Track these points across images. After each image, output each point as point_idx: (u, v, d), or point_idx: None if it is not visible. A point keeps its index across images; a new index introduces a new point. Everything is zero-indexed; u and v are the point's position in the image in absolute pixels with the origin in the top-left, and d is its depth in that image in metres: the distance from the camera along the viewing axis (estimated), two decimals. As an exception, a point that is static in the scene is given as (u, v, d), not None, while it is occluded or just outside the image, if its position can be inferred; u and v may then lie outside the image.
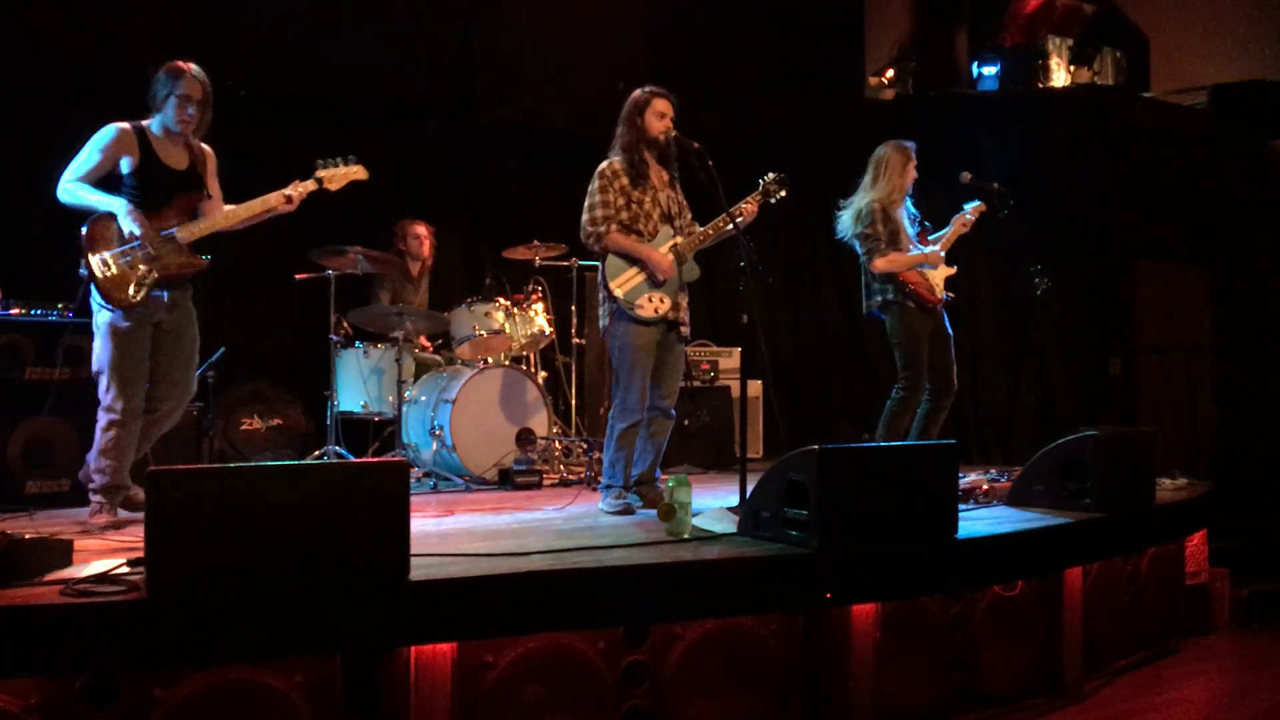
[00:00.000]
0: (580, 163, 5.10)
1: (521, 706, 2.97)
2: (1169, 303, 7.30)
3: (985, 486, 4.84)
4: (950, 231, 5.42)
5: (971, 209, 5.44)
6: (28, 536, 2.86)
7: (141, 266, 4.02)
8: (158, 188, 4.07)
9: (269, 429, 6.11)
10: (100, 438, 4.09)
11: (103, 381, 4.05)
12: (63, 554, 2.97)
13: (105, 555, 3.16)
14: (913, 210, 5.44)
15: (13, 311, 4.81)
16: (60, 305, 4.95)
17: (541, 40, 7.36)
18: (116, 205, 3.97)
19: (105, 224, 3.99)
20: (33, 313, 4.85)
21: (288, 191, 4.23)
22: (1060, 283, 5.65)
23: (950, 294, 5.42)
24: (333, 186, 4.34)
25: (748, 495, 3.87)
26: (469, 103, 7.22)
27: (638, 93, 4.54)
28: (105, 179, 4.04)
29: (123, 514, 4.10)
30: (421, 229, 6.53)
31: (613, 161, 4.52)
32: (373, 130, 6.94)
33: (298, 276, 6.09)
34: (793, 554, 3.35)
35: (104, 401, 4.07)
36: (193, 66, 4.13)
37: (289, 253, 6.15)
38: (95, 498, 4.11)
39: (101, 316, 4.03)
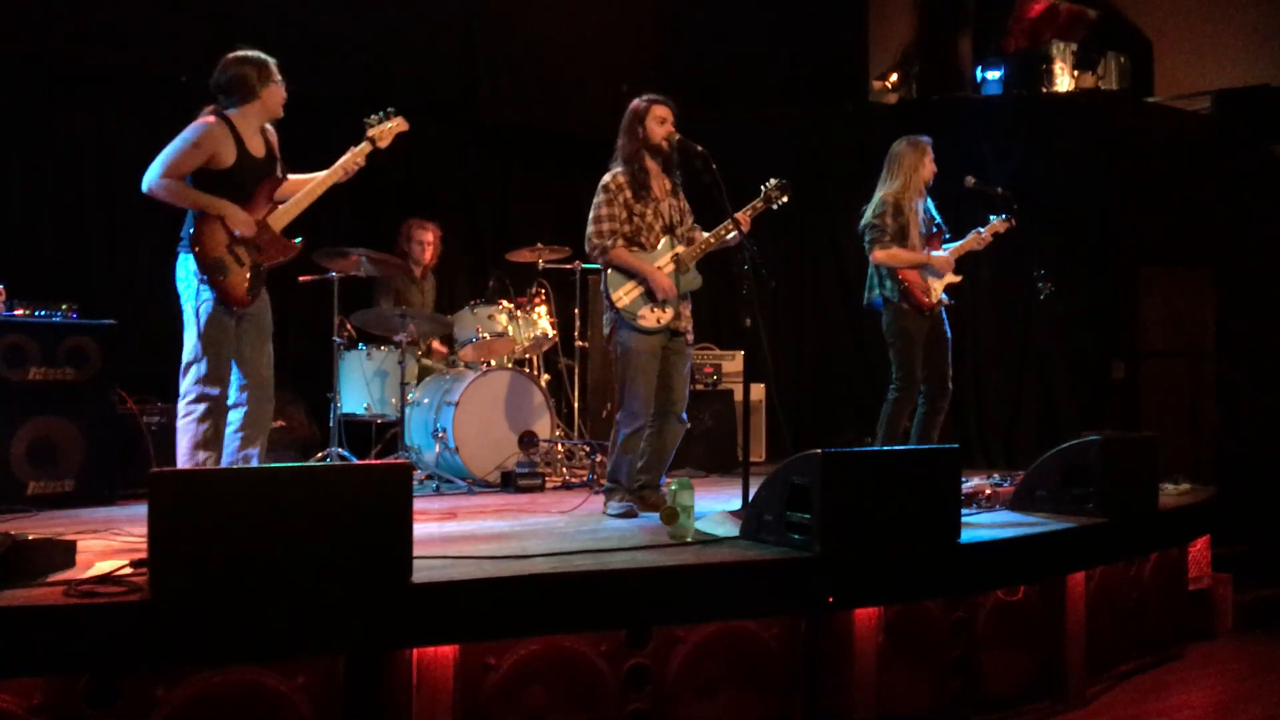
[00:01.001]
0: (584, 165, 5.11)
1: (523, 709, 2.97)
2: (1172, 307, 7.31)
3: (988, 491, 4.84)
4: (965, 242, 5.40)
5: (998, 222, 5.40)
6: (31, 537, 2.86)
7: (250, 261, 4.03)
8: (248, 179, 4.06)
9: (272, 430, 6.09)
10: (196, 430, 3.96)
11: (198, 369, 3.96)
12: (66, 555, 2.97)
13: (108, 556, 3.17)
14: (932, 212, 5.42)
15: (16, 312, 4.82)
16: (64, 306, 4.96)
17: (545, 42, 7.36)
18: (224, 206, 3.96)
19: (213, 224, 3.96)
20: (36, 313, 4.86)
21: (359, 159, 4.22)
22: (1063, 287, 5.66)
23: (952, 300, 5.42)
24: (383, 144, 4.32)
25: (750, 499, 3.87)
26: (472, 104, 7.22)
27: (636, 102, 4.52)
28: (195, 172, 3.99)
29: None
30: (428, 234, 6.52)
31: (616, 174, 4.51)
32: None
33: (301, 279, 6.09)
34: (795, 557, 3.35)
35: (196, 392, 3.96)
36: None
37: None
38: None
39: (203, 308, 3.95)
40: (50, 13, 5.75)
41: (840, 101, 8.25)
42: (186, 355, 4.02)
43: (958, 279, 5.42)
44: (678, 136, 4.46)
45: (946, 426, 5.47)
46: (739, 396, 6.72)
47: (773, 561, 3.33)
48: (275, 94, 4.13)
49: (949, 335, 5.39)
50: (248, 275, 4.03)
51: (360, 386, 6.04)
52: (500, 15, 7.25)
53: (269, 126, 4.22)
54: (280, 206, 4.15)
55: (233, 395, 4.11)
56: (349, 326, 6.10)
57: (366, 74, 6.70)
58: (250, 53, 4.11)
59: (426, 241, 6.51)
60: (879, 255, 5.24)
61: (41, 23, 5.73)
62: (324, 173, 4.22)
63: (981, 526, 4.04)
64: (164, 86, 6.06)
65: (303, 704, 2.73)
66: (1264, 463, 6.83)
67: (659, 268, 4.47)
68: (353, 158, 4.24)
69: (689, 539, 3.65)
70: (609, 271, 4.48)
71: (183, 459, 4.01)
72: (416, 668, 2.78)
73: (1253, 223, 7.42)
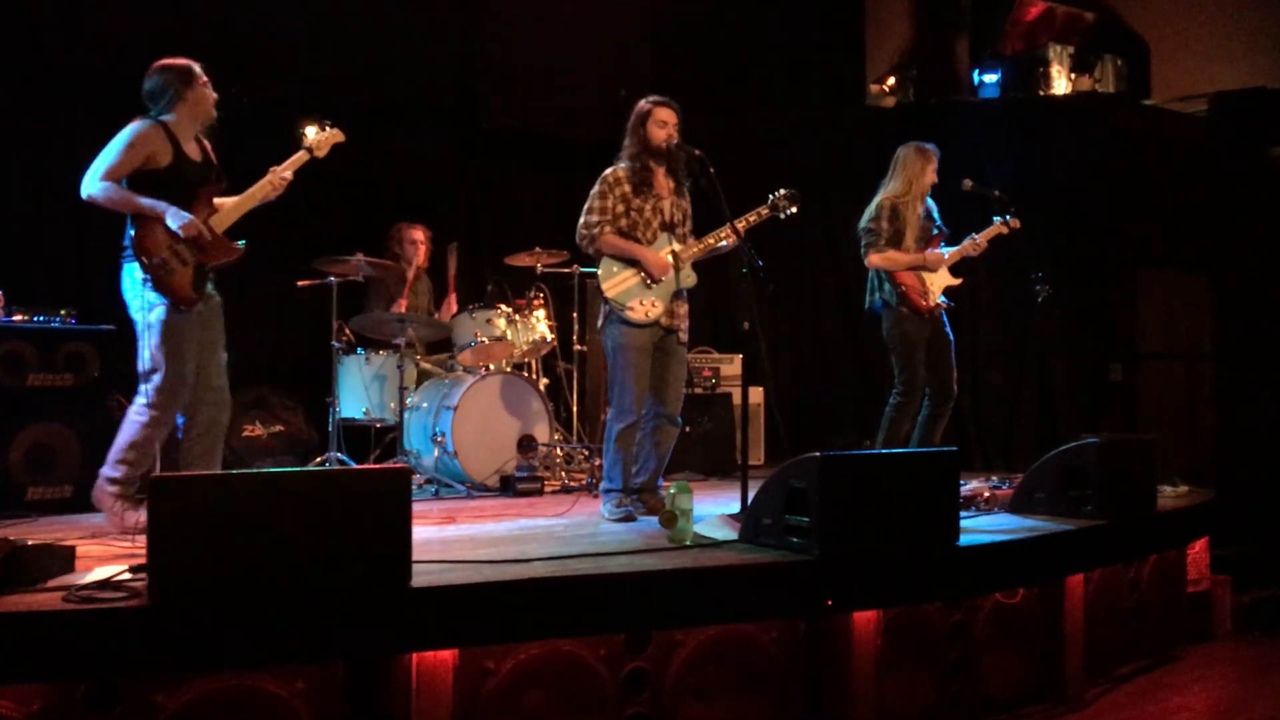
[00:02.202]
0: (582, 169, 5.11)
1: (523, 713, 2.97)
2: (1170, 309, 7.31)
3: (987, 493, 4.84)
4: (960, 248, 5.40)
5: (998, 224, 5.40)
6: (30, 543, 2.86)
7: (193, 261, 4.04)
8: (186, 183, 4.07)
9: (271, 435, 6.10)
10: (136, 431, 4.00)
11: (157, 379, 3.98)
12: (65, 560, 2.97)
13: (107, 561, 3.16)
14: (934, 216, 5.42)
15: (15, 318, 4.82)
16: (63, 312, 4.96)
17: (543, 46, 7.37)
18: (162, 207, 3.97)
19: (152, 225, 3.98)
20: (35, 319, 4.86)
21: (284, 173, 4.23)
22: (1061, 289, 5.66)
23: (951, 302, 5.42)
24: (320, 154, 4.35)
25: (749, 502, 3.87)
26: (470, 109, 7.23)
27: (642, 103, 4.58)
28: (131, 175, 4.01)
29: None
30: (418, 234, 6.53)
31: (616, 168, 4.55)
32: (374, 136, 6.94)
33: (300, 283, 6.10)
34: (794, 561, 3.35)
35: (152, 398, 3.98)
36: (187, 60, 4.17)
37: (291, 259, 6.16)
38: (114, 489, 4.01)
39: (155, 314, 3.98)
40: (51, 19, 5.75)
41: (838, 105, 8.26)
42: (143, 365, 4.03)
43: (957, 282, 5.42)
44: (676, 141, 4.49)
45: (945, 429, 5.47)
46: (737, 400, 6.72)
47: (771, 565, 3.33)
48: (201, 97, 4.15)
49: (951, 338, 5.39)
50: (191, 273, 4.04)
51: (359, 391, 6.04)
52: (499, 20, 7.25)
53: (204, 139, 4.25)
54: (224, 209, 4.17)
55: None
56: (347, 331, 6.11)
57: (366, 79, 6.70)
58: (172, 60, 4.14)
59: (418, 241, 6.51)
60: (874, 259, 5.26)
61: (43, 29, 5.74)
62: (256, 186, 4.21)
63: (980, 529, 4.05)
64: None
65: (302, 709, 2.73)
66: (1262, 464, 6.83)
67: None
68: (286, 166, 4.25)
69: (688, 542, 3.65)
70: (601, 262, 4.51)
71: (114, 451, 4.06)
72: (416, 672, 2.78)
73: (1250, 224, 7.43)
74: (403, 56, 6.87)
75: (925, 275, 5.31)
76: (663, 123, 4.50)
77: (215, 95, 4.20)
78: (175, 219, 3.97)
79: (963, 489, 4.63)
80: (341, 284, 5.93)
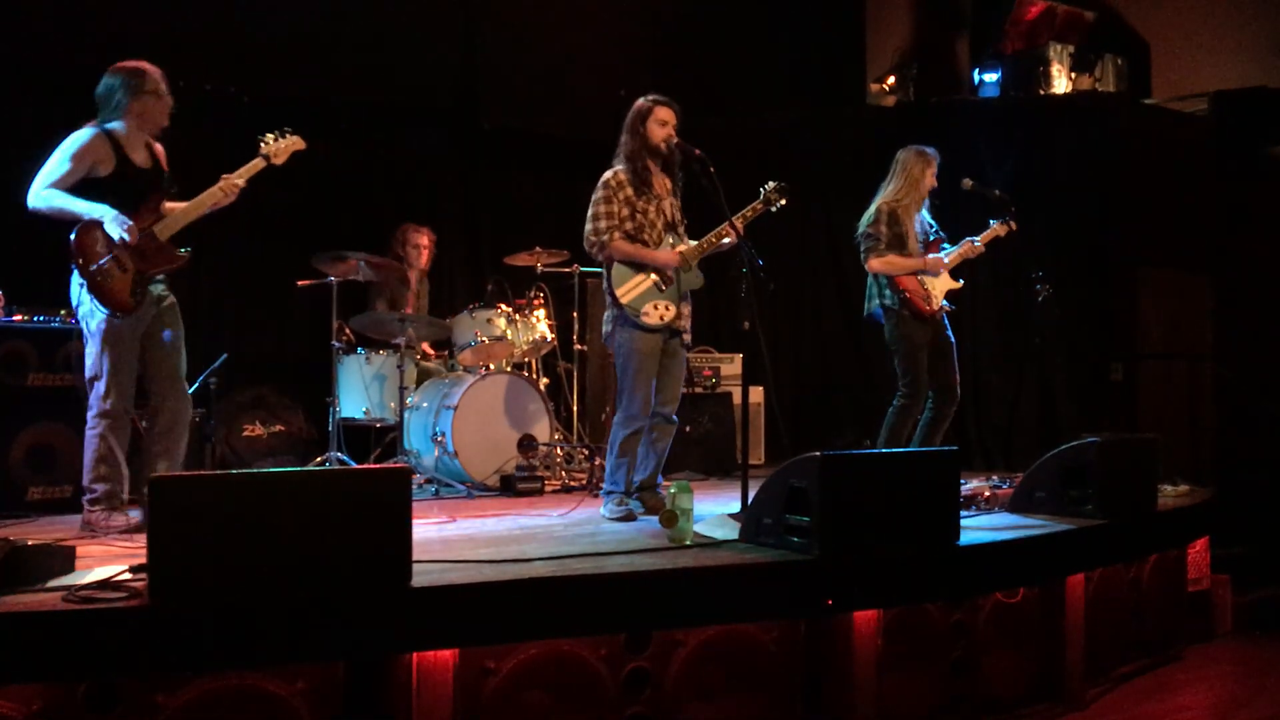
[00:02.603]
0: (582, 169, 5.12)
1: (523, 713, 2.97)
2: (1170, 309, 7.31)
3: (987, 493, 4.84)
4: (959, 250, 5.39)
5: (997, 226, 5.40)
6: (31, 543, 2.86)
7: (133, 269, 4.03)
8: (131, 189, 4.07)
9: (271, 435, 6.11)
10: (96, 446, 4.02)
11: (99, 386, 4.01)
12: (65, 560, 2.97)
13: (108, 562, 3.16)
14: (930, 221, 5.42)
15: (16, 318, 4.83)
16: (63, 312, 4.96)
17: (543, 47, 7.37)
18: (102, 211, 3.96)
19: (93, 231, 3.98)
20: (36, 319, 4.87)
21: (236, 180, 4.21)
22: (1061, 289, 5.66)
23: (952, 305, 5.42)
24: (278, 161, 4.33)
25: (749, 502, 3.87)
26: (471, 109, 7.24)
27: (641, 101, 4.55)
28: (75, 184, 4.02)
29: (133, 513, 4.04)
30: (424, 237, 6.53)
31: (617, 171, 4.53)
32: (375, 136, 6.96)
33: (300, 283, 6.10)
34: (794, 560, 3.35)
35: (98, 407, 4.01)
36: (145, 63, 4.14)
37: (291, 259, 6.15)
38: (98, 508, 4.02)
39: (95, 321, 3.99)
40: (50, 18, 5.75)
41: (838, 104, 8.26)
42: (88, 371, 4.05)
43: (958, 285, 5.42)
44: (676, 140, 4.48)
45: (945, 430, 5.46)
46: (738, 399, 6.73)
47: (772, 564, 3.33)
48: (149, 106, 4.12)
49: (953, 341, 5.39)
50: (130, 281, 4.03)
51: (359, 391, 6.04)
52: (499, 20, 7.26)
53: (156, 143, 4.23)
54: (171, 216, 4.15)
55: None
56: (348, 331, 6.11)
57: (366, 79, 6.71)
58: (126, 64, 4.12)
59: (422, 245, 6.52)
60: (875, 264, 5.25)
61: (42, 28, 5.74)
62: (206, 192, 4.20)
63: (981, 529, 4.05)
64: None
65: (303, 709, 2.73)
66: (1262, 463, 6.83)
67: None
68: (240, 174, 4.23)
69: (688, 542, 3.65)
70: (612, 267, 4.49)
71: (86, 475, 4.06)
72: (416, 672, 2.79)
73: (1250, 224, 7.42)
74: (403, 56, 6.87)
75: (927, 279, 5.31)
76: (663, 121, 4.49)
77: (170, 101, 4.16)
78: (115, 225, 3.95)
79: (963, 489, 4.63)
80: (341, 284, 5.93)
